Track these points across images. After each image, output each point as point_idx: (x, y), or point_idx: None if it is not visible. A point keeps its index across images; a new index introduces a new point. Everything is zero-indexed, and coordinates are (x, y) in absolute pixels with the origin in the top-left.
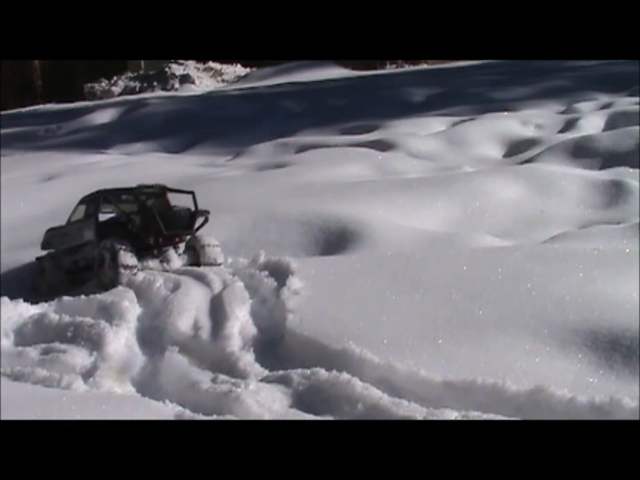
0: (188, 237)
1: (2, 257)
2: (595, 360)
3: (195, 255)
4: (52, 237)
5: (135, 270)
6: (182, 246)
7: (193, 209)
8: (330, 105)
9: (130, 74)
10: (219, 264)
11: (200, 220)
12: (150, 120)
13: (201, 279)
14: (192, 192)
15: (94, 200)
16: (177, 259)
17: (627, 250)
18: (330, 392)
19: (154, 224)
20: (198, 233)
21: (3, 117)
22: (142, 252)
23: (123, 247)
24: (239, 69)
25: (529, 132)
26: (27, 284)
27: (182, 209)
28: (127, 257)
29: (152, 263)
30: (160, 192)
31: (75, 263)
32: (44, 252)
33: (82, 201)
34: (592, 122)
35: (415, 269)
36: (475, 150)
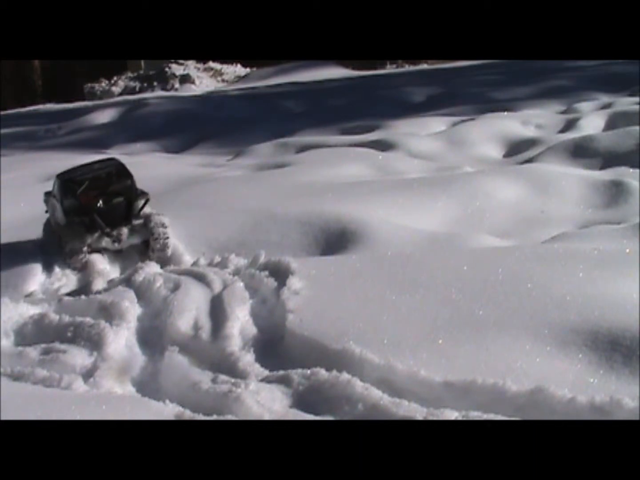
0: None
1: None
2: (595, 360)
3: (145, 233)
4: (47, 202)
5: (84, 255)
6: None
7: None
8: (330, 105)
9: (130, 74)
10: (167, 249)
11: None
12: (150, 120)
13: (201, 279)
14: (130, 178)
15: (60, 189)
16: (126, 237)
17: (627, 250)
18: (330, 392)
19: (97, 223)
20: (149, 212)
21: (3, 117)
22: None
23: (71, 247)
24: (239, 69)
25: (529, 132)
26: (27, 284)
27: (120, 201)
28: (75, 257)
29: (105, 243)
30: (117, 172)
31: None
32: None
33: (58, 177)
34: (592, 122)
35: (415, 269)
36: (475, 150)
